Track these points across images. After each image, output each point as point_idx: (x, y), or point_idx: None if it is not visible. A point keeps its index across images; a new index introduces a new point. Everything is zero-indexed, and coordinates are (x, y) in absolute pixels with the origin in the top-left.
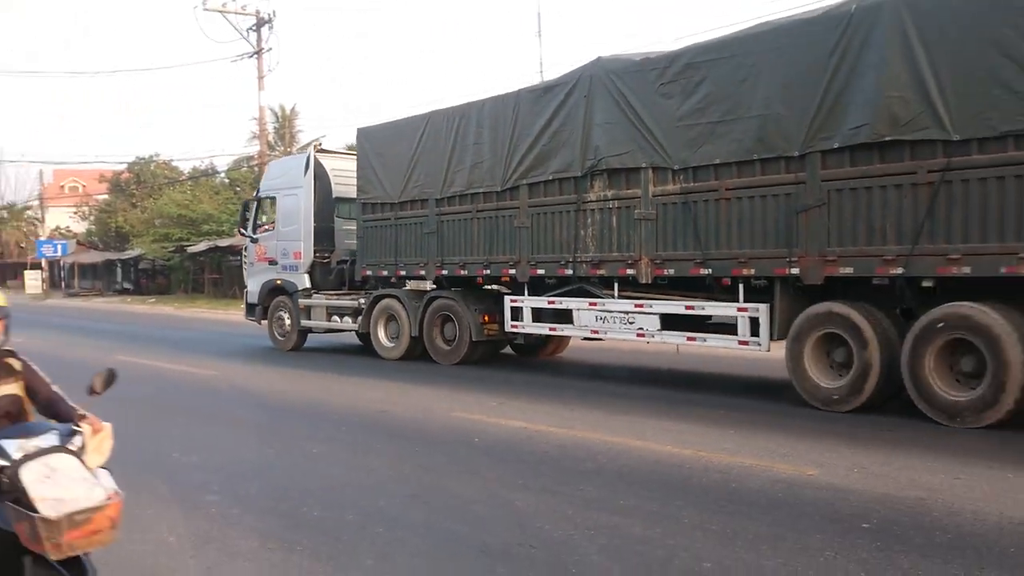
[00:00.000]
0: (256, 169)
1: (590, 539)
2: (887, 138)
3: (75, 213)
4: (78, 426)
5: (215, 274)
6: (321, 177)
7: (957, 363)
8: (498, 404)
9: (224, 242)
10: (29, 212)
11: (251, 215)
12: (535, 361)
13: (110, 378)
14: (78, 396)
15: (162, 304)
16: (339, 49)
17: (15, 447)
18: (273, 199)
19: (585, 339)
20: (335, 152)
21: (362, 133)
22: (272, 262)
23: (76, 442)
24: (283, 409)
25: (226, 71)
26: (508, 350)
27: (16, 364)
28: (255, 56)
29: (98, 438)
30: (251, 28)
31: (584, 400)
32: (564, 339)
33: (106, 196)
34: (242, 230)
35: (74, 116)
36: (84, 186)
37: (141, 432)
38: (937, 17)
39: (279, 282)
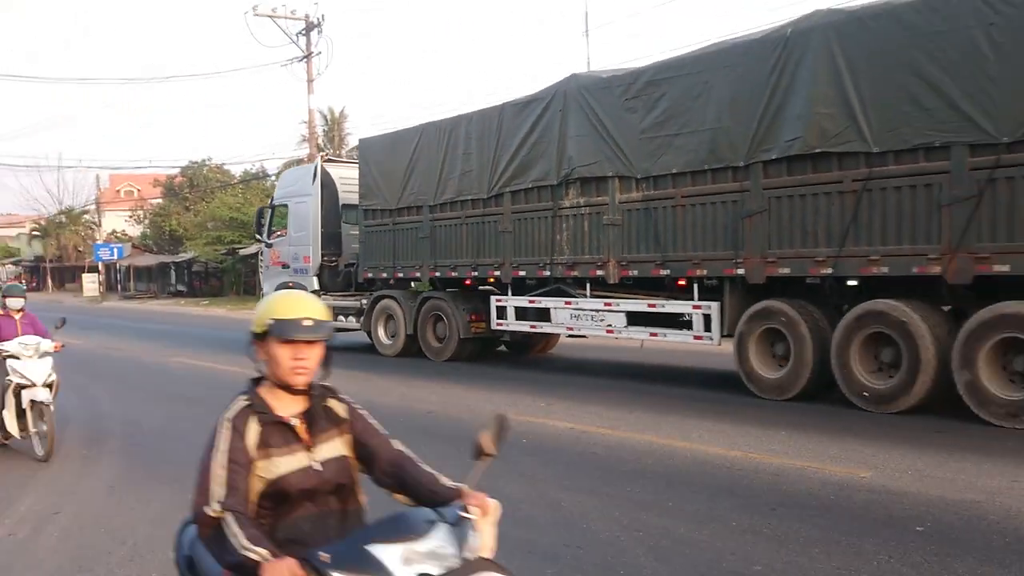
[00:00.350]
0: None
1: (638, 540)
2: (817, 150)
3: (130, 217)
4: (465, 510)
5: None
6: (328, 185)
7: (879, 354)
8: (546, 405)
9: None
10: (86, 216)
11: (266, 221)
12: (579, 364)
13: (502, 427)
14: (168, 406)
15: (215, 306)
16: (386, 51)
17: (398, 558)
18: (285, 206)
19: (570, 336)
20: (341, 161)
21: (363, 144)
22: (285, 266)
23: (472, 541)
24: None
25: (276, 75)
26: (503, 348)
27: (341, 409)
28: (304, 60)
29: (488, 525)
30: (300, 32)
31: (630, 402)
32: (553, 337)
33: (160, 200)
34: (258, 236)
35: (129, 121)
36: (139, 190)
37: (200, 434)
38: (859, 41)
39: (291, 284)
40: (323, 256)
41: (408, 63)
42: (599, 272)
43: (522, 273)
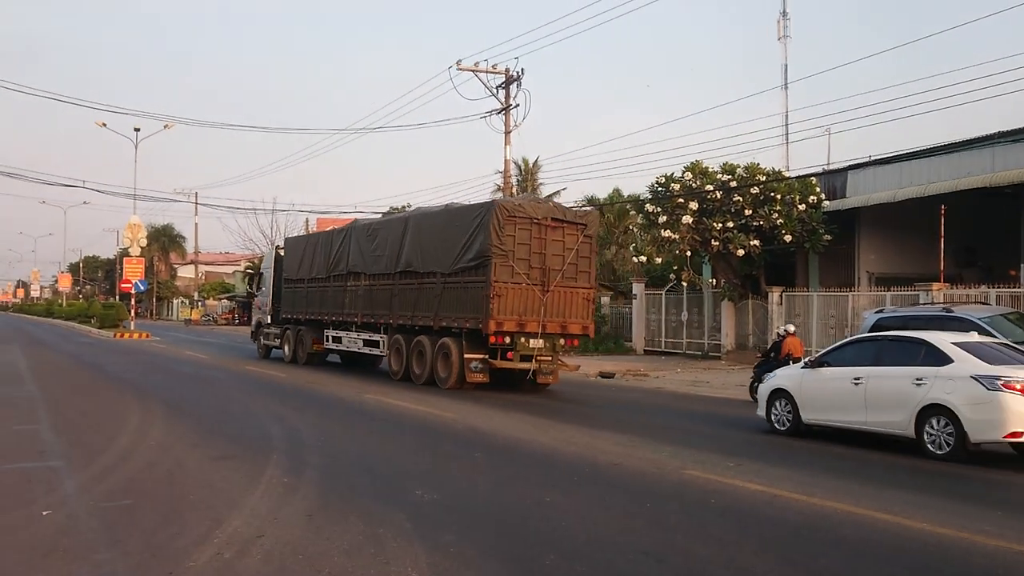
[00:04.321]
0: None
1: None
2: (404, 269)
3: None
4: None
5: None
6: (279, 262)
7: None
8: (735, 465)
9: None
10: None
11: (255, 283)
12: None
13: None
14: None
15: None
16: (580, 103)
17: None
18: (261, 275)
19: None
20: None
21: (287, 240)
22: (260, 309)
23: None
24: (518, 454)
25: (475, 127)
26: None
27: None
28: (503, 112)
29: None
30: (500, 86)
31: (824, 465)
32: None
33: None
34: (250, 290)
35: (339, 169)
36: None
37: (388, 468)
38: (429, 224)
39: (260, 321)
40: (271, 305)
41: (599, 117)
42: (353, 319)
43: (334, 318)
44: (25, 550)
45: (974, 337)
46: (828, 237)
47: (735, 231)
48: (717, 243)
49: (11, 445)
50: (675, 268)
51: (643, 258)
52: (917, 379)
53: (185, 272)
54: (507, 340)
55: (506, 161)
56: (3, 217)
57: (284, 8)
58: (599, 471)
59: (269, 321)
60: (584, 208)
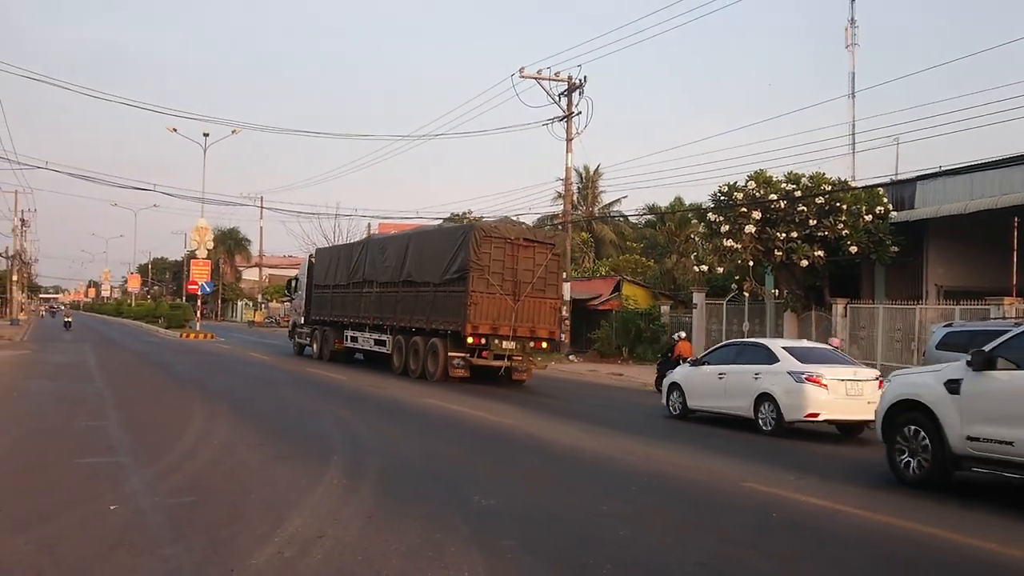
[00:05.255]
0: (559, 227)
1: None
2: (406, 279)
3: None
4: None
5: None
6: (311, 269)
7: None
8: (795, 479)
9: None
10: None
11: (292, 287)
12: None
13: None
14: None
15: None
16: (643, 111)
17: None
18: (297, 280)
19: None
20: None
21: (317, 251)
22: (295, 311)
23: None
24: (576, 462)
25: (537, 133)
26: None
27: None
28: (564, 120)
29: None
30: (562, 93)
31: (886, 482)
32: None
33: None
34: (288, 294)
35: (401, 175)
36: None
37: (448, 474)
38: (426, 241)
39: (295, 321)
40: (305, 307)
41: (662, 125)
42: (366, 321)
43: (352, 320)
44: (93, 543)
45: (804, 343)
46: (895, 249)
47: (799, 241)
48: (780, 253)
49: (81, 440)
50: (737, 278)
51: (704, 267)
52: (756, 374)
53: (250, 275)
54: (483, 341)
55: (567, 168)
56: (77, 218)
57: (350, 17)
58: (657, 480)
59: (302, 322)
60: (553, 232)
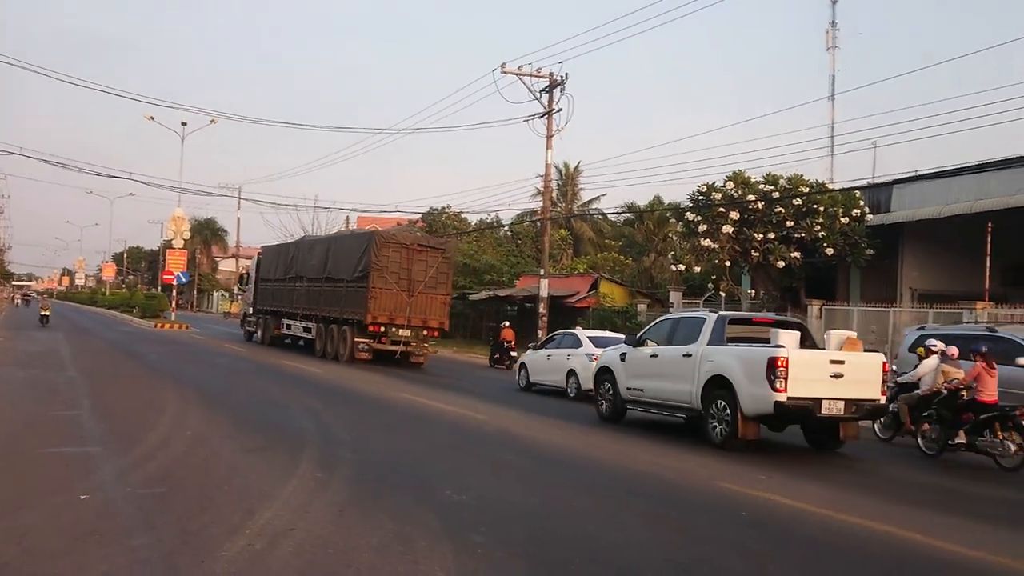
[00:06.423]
0: (537, 224)
1: None
2: (327, 276)
3: None
4: None
5: (492, 322)
6: (259, 265)
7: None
8: (766, 478)
9: (503, 292)
10: None
11: (244, 280)
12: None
13: None
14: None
15: (441, 347)
16: (623, 109)
17: None
18: (248, 274)
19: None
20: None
21: (263, 248)
22: (246, 302)
23: None
24: (546, 458)
25: (517, 129)
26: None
27: None
28: (545, 116)
29: None
30: (543, 90)
31: (854, 482)
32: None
33: None
34: (240, 286)
35: (379, 169)
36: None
37: (419, 468)
38: (342, 244)
39: (245, 312)
40: (253, 299)
41: (642, 123)
42: (298, 310)
43: (287, 310)
44: (64, 533)
45: (605, 334)
46: (871, 251)
47: (776, 242)
48: (757, 254)
49: (52, 430)
50: (714, 278)
51: (682, 267)
52: (568, 355)
53: (226, 265)
54: (382, 329)
55: (547, 165)
56: (52, 205)
57: (330, 10)
58: (628, 477)
59: (251, 311)
60: (443, 239)
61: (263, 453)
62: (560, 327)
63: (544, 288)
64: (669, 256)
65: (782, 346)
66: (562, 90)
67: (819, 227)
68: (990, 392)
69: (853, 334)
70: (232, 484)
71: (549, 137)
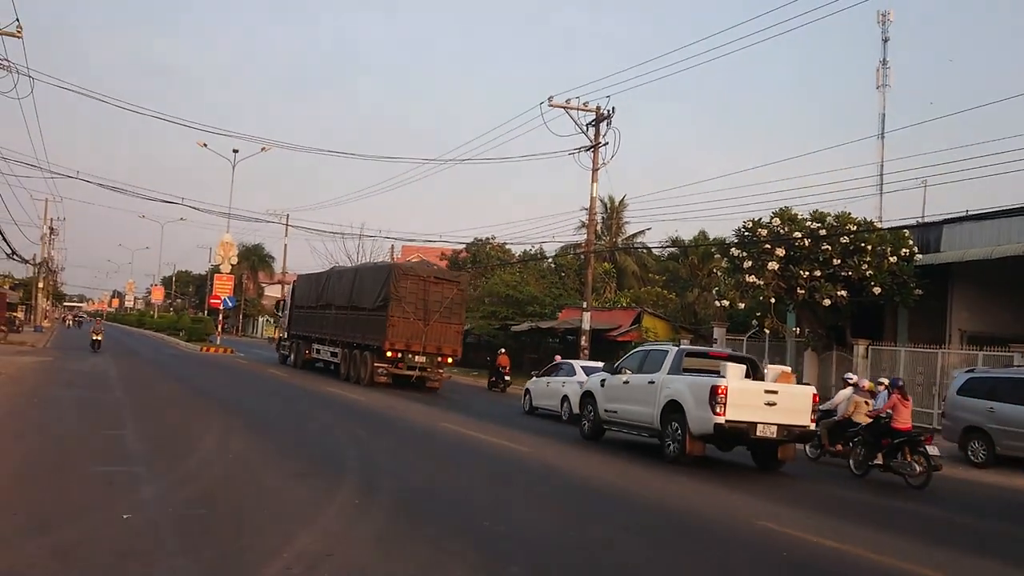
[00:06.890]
0: (581, 257)
1: None
2: (352, 304)
3: None
4: None
5: (534, 354)
6: (294, 292)
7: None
8: (805, 517)
9: (545, 324)
10: None
11: (280, 307)
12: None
13: None
14: None
15: (482, 378)
16: (670, 144)
17: None
18: (284, 301)
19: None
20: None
21: (299, 277)
22: (281, 328)
23: None
24: (587, 492)
25: (563, 162)
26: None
27: None
28: (591, 150)
29: None
30: (590, 123)
31: (898, 525)
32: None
33: None
34: (277, 313)
35: (427, 198)
36: None
37: (458, 498)
38: (366, 274)
39: (280, 336)
40: (288, 324)
41: (689, 159)
42: (327, 336)
43: (316, 335)
44: (105, 551)
45: (597, 364)
46: (919, 292)
47: (822, 280)
48: (803, 291)
49: (98, 449)
50: (758, 314)
51: (726, 302)
52: (563, 383)
53: (272, 291)
54: (399, 355)
55: (592, 198)
56: (104, 228)
57: (381, 40)
58: (668, 513)
59: (286, 336)
60: (458, 272)
61: (304, 478)
62: (602, 359)
63: (586, 321)
64: (713, 291)
65: (723, 376)
66: (608, 124)
67: (867, 266)
68: (903, 420)
69: (787, 368)
70: (271, 508)
71: (595, 170)
